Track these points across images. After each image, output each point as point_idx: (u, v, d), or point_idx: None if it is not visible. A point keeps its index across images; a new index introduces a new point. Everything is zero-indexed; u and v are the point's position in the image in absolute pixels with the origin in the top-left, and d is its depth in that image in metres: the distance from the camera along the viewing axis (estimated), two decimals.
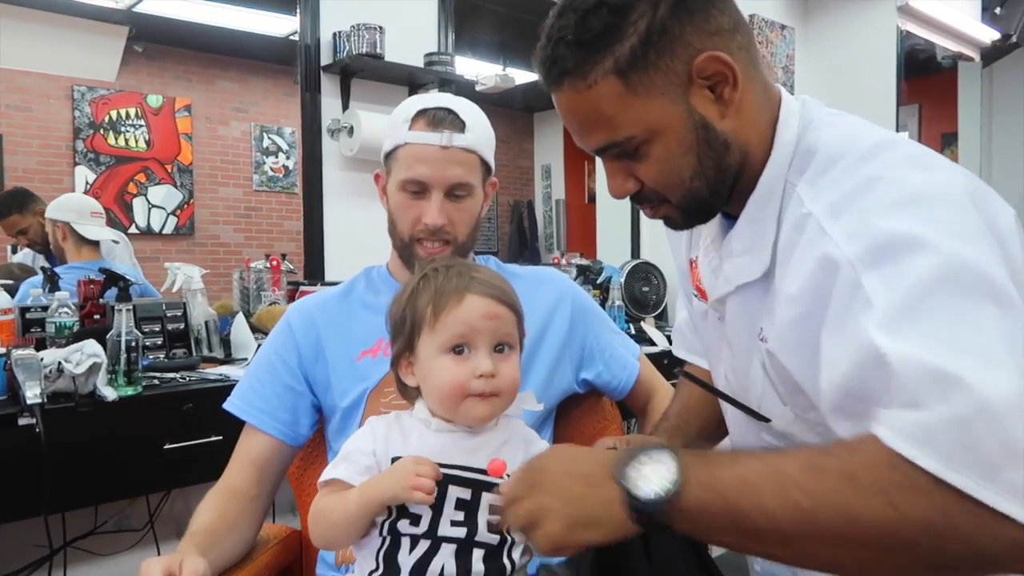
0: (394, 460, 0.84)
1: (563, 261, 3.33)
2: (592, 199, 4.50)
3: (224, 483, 1.11)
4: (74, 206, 2.34)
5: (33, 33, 2.87)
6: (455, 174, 1.10)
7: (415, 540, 0.84)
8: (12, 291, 1.89)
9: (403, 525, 0.84)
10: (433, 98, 1.16)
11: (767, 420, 0.84)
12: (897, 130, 4.11)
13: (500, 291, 0.87)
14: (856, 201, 0.69)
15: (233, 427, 1.16)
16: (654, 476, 0.65)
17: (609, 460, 0.70)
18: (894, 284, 0.63)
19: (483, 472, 0.83)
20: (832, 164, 0.75)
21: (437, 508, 0.83)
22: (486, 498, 0.84)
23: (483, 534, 0.84)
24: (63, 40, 2.99)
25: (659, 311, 3.25)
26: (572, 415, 1.29)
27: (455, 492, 0.83)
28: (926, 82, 4.69)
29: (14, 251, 2.55)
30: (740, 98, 0.76)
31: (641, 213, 3.10)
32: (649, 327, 2.96)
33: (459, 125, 1.11)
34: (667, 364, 2.32)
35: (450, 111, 1.11)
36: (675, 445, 0.75)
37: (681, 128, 0.75)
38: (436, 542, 0.83)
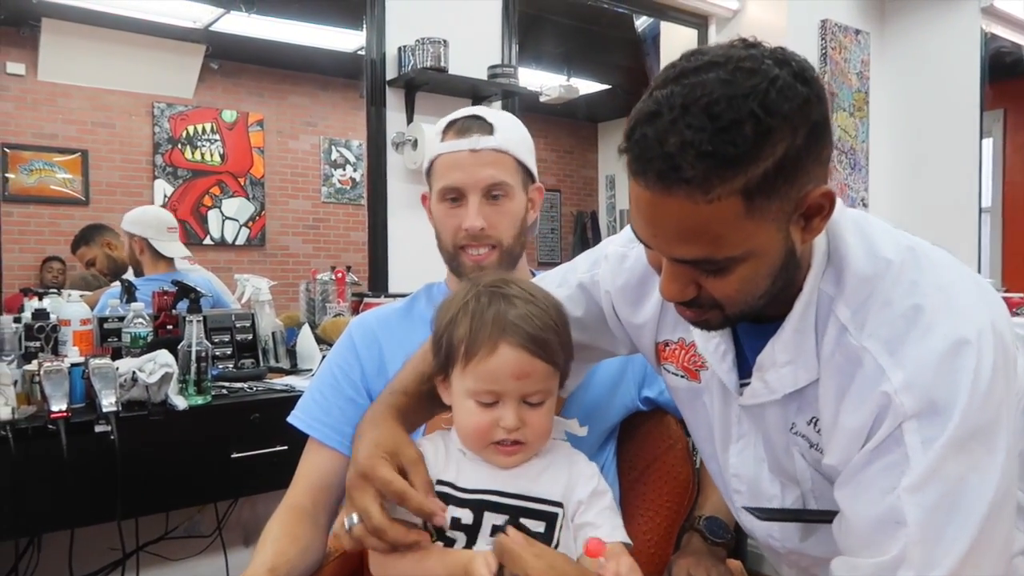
0: (440, 482, 0.84)
1: None
2: None
3: (290, 501, 1.12)
4: (152, 222, 2.43)
5: (117, 54, 3.01)
6: (488, 174, 1.11)
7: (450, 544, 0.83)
8: (91, 303, 1.97)
9: None
10: (462, 111, 1.17)
11: (829, 521, 0.83)
12: (981, 137, 3.93)
13: (538, 342, 0.82)
14: (906, 337, 0.73)
15: (298, 438, 1.17)
16: None
17: None
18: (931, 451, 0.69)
19: (522, 498, 0.84)
20: (870, 291, 0.76)
21: (472, 535, 0.83)
22: (525, 524, 0.83)
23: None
24: (145, 59, 3.12)
25: None
26: (636, 434, 1.26)
27: (491, 519, 0.83)
28: (1012, 86, 4.46)
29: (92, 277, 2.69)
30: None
31: None
32: None
33: (487, 128, 1.12)
34: None
35: (477, 117, 1.14)
36: None
37: (775, 254, 0.73)
38: (472, 542, 0.83)
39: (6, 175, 2.80)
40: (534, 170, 1.18)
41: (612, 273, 0.97)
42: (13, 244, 2.52)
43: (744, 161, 0.66)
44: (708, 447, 0.97)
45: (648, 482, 1.25)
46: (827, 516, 0.82)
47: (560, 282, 1.02)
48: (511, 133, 1.14)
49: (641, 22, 3.79)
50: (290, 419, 1.18)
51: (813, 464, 0.84)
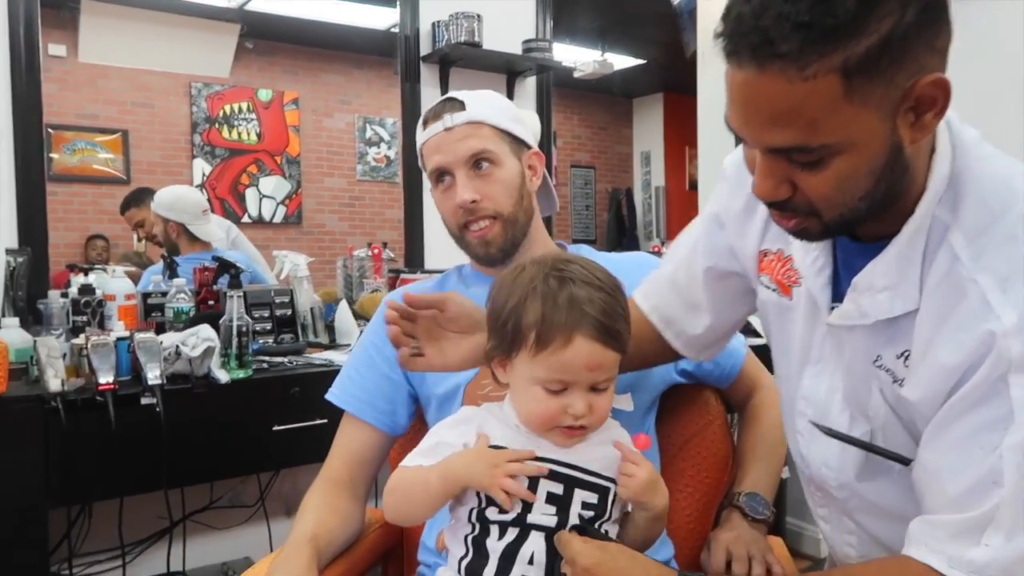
0: (491, 447, 0.84)
1: (663, 249, 3.26)
2: (693, 186, 4.38)
3: (327, 474, 1.14)
4: (188, 207, 2.44)
5: (155, 34, 3.03)
6: (466, 147, 1.11)
7: (504, 527, 0.83)
8: (135, 277, 2.01)
9: (491, 513, 0.83)
10: (438, 99, 1.18)
11: (907, 462, 0.79)
12: None
13: (609, 332, 0.81)
14: None
15: (337, 412, 1.19)
16: None
17: None
18: None
19: (577, 468, 0.84)
20: (992, 220, 0.71)
21: (526, 502, 0.83)
22: (579, 494, 0.83)
23: (574, 523, 0.83)
24: (182, 40, 3.15)
25: None
26: (674, 409, 1.25)
27: (546, 486, 0.83)
28: None
29: (138, 239, 2.73)
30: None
31: None
32: (753, 317, 2.86)
33: (458, 106, 1.13)
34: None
35: (449, 99, 1.14)
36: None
37: (878, 147, 0.67)
38: (525, 529, 0.83)
39: (50, 155, 2.85)
40: (525, 136, 1.17)
41: (729, 190, 0.95)
42: (58, 223, 2.57)
43: (844, 34, 0.61)
44: (784, 367, 0.94)
45: (687, 458, 1.25)
46: (897, 456, 0.79)
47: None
48: (484, 105, 1.14)
49: None
50: (327, 396, 1.20)
51: (892, 401, 0.79)
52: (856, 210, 0.71)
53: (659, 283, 1.07)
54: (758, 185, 0.72)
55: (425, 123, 1.15)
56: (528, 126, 1.19)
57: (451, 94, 1.16)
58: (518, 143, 1.16)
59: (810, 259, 0.84)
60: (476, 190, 1.11)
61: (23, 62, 1.99)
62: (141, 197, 2.68)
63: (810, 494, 0.97)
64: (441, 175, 1.14)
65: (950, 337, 0.70)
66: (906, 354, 0.76)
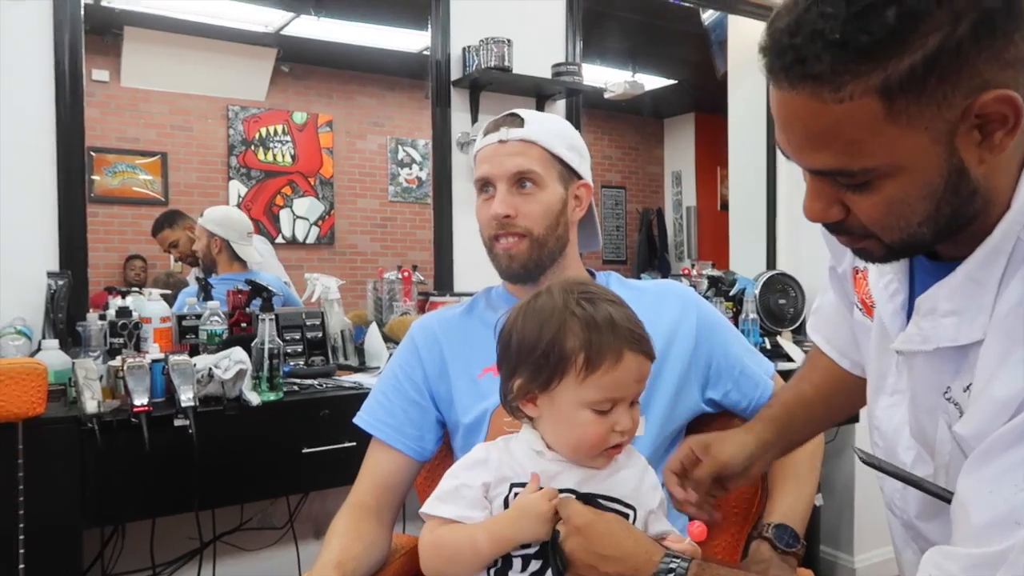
0: (513, 486, 0.83)
1: (694, 271, 3.23)
2: (725, 206, 4.35)
3: (354, 499, 1.15)
4: (235, 225, 2.52)
5: (194, 59, 3.11)
6: (513, 163, 1.13)
7: (527, 560, 0.84)
8: (169, 300, 2.05)
9: None
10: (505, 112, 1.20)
11: (942, 498, 0.76)
12: None
13: (647, 342, 0.84)
14: None
15: (365, 435, 1.20)
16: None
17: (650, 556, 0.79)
18: None
19: (597, 496, 0.84)
20: None
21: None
22: None
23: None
24: (220, 64, 3.22)
25: (797, 325, 3.09)
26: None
27: None
28: None
29: (175, 259, 2.79)
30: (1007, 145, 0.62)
31: (778, 222, 2.92)
32: (786, 341, 2.82)
33: (517, 122, 1.15)
34: None
35: (512, 114, 1.17)
36: (766, 434, 0.91)
37: (933, 170, 0.62)
38: (547, 562, 0.82)
39: (92, 177, 2.93)
40: (577, 166, 1.18)
41: None
42: (98, 243, 2.63)
43: (882, 52, 0.57)
44: (869, 394, 0.90)
45: None
46: (942, 492, 0.74)
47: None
48: (543, 126, 1.15)
49: (708, 15, 3.71)
50: (355, 420, 1.21)
51: (958, 438, 0.73)
52: (918, 235, 0.66)
53: (826, 315, 1.06)
54: (808, 207, 0.69)
55: (485, 132, 1.18)
56: (585, 158, 1.20)
57: (516, 110, 1.18)
58: (569, 171, 1.17)
59: (883, 282, 0.80)
60: (513, 206, 1.13)
61: (67, 88, 2.05)
62: (173, 219, 2.76)
63: (892, 527, 0.94)
64: (485, 184, 1.16)
65: (1010, 370, 0.65)
66: (970, 387, 0.70)
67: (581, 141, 1.21)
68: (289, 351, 2.04)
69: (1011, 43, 0.59)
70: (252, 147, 3.28)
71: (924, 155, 0.61)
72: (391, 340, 2.21)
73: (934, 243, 0.69)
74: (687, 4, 3.42)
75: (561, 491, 0.82)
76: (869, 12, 0.57)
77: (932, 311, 0.72)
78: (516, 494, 0.84)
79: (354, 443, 1.67)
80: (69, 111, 2.06)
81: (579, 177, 1.19)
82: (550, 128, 1.17)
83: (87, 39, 2.14)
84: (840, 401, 1.03)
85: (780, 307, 3.06)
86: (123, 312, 1.88)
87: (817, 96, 0.60)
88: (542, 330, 0.83)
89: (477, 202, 1.19)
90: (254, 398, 1.69)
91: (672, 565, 0.77)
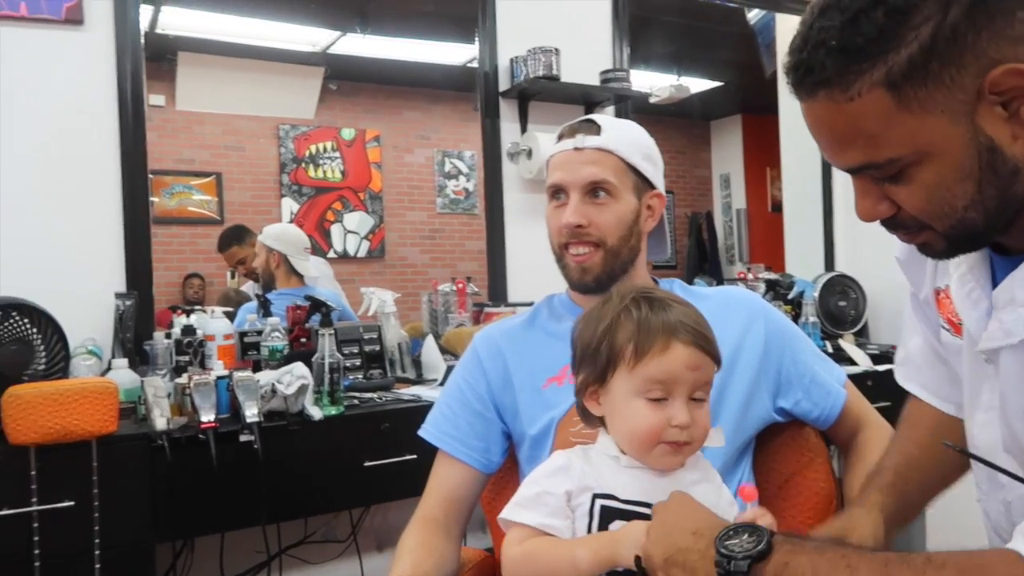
0: (596, 496, 0.82)
1: (749, 275, 3.18)
2: (777, 208, 4.27)
3: (422, 513, 1.14)
4: (293, 240, 2.57)
5: (246, 81, 3.19)
6: (588, 172, 1.11)
7: (613, 573, 0.82)
8: (230, 317, 2.09)
9: None
10: (580, 117, 1.19)
11: None
12: None
13: (705, 338, 0.84)
14: None
15: (427, 448, 1.19)
16: (743, 545, 0.69)
17: (716, 523, 0.74)
18: None
19: None
20: None
21: None
22: None
23: None
24: (270, 85, 3.29)
25: (859, 327, 3.02)
26: (772, 445, 1.21)
27: None
28: None
29: (232, 276, 2.84)
30: None
31: (835, 222, 2.85)
32: (848, 344, 2.75)
33: (594, 129, 1.13)
34: (870, 385, 2.14)
35: (589, 120, 1.15)
36: (889, 506, 0.81)
37: (960, 152, 0.64)
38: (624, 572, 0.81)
39: (151, 199, 3.02)
40: (651, 176, 1.16)
41: (901, 245, 0.90)
42: (159, 263, 2.70)
43: (878, 49, 0.62)
44: (965, 412, 0.88)
45: (786, 498, 1.20)
46: None
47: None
48: (619, 135, 1.14)
49: (753, 15, 3.66)
50: (420, 432, 1.20)
51: None
52: (969, 220, 0.67)
53: (914, 361, 1.03)
54: (858, 207, 0.72)
55: (560, 137, 1.16)
56: (659, 167, 1.19)
57: (593, 116, 1.17)
58: (643, 181, 1.16)
59: (965, 291, 0.79)
60: (586, 215, 1.11)
61: (130, 115, 2.12)
62: (242, 235, 2.81)
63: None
64: (557, 191, 1.14)
65: None
66: None
67: (656, 150, 1.20)
68: (348, 365, 2.06)
69: (1014, 20, 0.62)
70: (303, 164, 3.34)
71: (946, 138, 0.64)
72: (448, 352, 2.22)
73: (989, 229, 0.69)
74: (732, 4, 3.38)
75: (642, 503, 0.81)
76: (860, 16, 0.62)
77: (1010, 302, 0.71)
78: (602, 507, 0.83)
79: (415, 456, 1.68)
80: (132, 136, 2.13)
81: (652, 187, 1.17)
82: (626, 137, 1.15)
83: (145, 66, 2.20)
84: (952, 455, 0.96)
85: (841, 309, 2.99)
86: (188, 330, 1.92)
87: (831, 99, 0.65)
88: (598, 327, 0.86)
89: (547, 208, 1.17)
90: (316, 412, 1.71)
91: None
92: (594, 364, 0.86)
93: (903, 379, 1.04)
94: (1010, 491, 0.79)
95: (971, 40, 0.61)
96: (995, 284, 0.76)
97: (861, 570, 0.63)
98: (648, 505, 0.82)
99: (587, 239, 1.12)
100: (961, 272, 0.80)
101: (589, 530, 0.84)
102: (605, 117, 1.17)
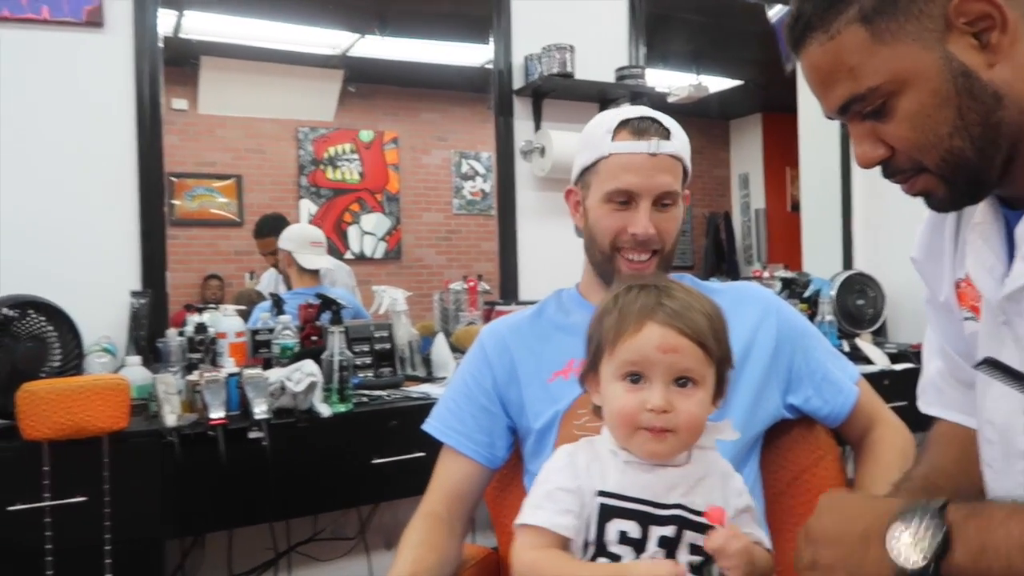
0: (600, 493, 0.82)
1: (765, 274, 3.14)
2: (796, 207, 4.22)
3: (426, 508, 1.13)
4: (295, 237, 2.58)
5: (266, 84, 3.22)
6: (664, 181, 1.08)
7: None
8: (245, 316, 2.11)
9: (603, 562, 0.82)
10: (632, 110, 1.14)
11: None
12: None
13: (686, 321, 0.81)
14: None
15: (435, 445, 1.19)
16: (918, 543, 0.64)
17: (882, 516, 0.68)
18: None
19: (682, 508, 0.81)
20: None
21: (639, 548, 0.81)
22: (687, 536, 0.81)
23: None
24: (290, 88, 3.32)
25: (876, 326, 2.97)
26: (781, 443, 1.19)
27: (657, 531, 0.81)
28: None
29: (251, 276, 2.86)
30: (1014, 45, 0.67)
31: (854, 220, 2.81)
32: (865, 343, 2.71)
33: (664, 132, 1.09)
34: (887, 385, 2.10)
35: (653, 120, 1.10)
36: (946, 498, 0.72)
37: (935, 77, 0.68)
38: None
39: (172, 202, 3.05)
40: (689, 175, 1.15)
41: (917, 244, 0.91)
42: (178, 264, 2.73)
43: None
44: (979, 389, 0.86)
45: (795, 495, 1.18)
46: None
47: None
48: (683, 138, 1.11)
49: (774, 12, 3.63)
50: (425, 427, 1.20)
51: None
52: (956, 149, 0.69)
53: (936, 385, 1.00)
54: (857, 155, 0.76)
55: (615, 133, 1.10)
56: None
57: (650, 114, 1.12)
58: (686, 181, 1.14)
59: (987, 267, 0.78)
60: (655, 224, 1.09)
61: (147, 117, 2.14)
62: (278, 226, 2.78)
63: None
64: (624, 195, 1.09)
65: None
66: None
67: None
68: (358, 363, 2.06)
69: None
70: (321, 166, 3.36)
71: (921, 64, 0.68)
72: (458, 350, 2.22)
73: (981, 163, 0.70)
74: (752, 1, 3.35)
75: (643, 501, 0.80)
76: None
77: None
78: (601, 504, 0.82)
79: (423, 453, 1.66)
80: (148, 139, 2.15)
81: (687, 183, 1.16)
82: (685, 141, 1.12)
83: (167, 70, 2.23)
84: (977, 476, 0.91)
85: (859, 308, 2.95)
86: (200, 328, 1.94)
87: (817, 43, 0.72)
88: (595, 317, 0.87)
89: (601, 207, 1.11)
90: (325, 410, 1.71)
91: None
92: (588, 352, 0.87)
93: (925, 405, 1.01)
94: None
95: None
96: (1011, 255, 0.76)
97: None
98: (646, 503, 0.80)
99: (653, 247, 1.10)
100: (977, 247, 0.79)
101: (590, 528, 0.83)
102: (666, 117, 1.12)
